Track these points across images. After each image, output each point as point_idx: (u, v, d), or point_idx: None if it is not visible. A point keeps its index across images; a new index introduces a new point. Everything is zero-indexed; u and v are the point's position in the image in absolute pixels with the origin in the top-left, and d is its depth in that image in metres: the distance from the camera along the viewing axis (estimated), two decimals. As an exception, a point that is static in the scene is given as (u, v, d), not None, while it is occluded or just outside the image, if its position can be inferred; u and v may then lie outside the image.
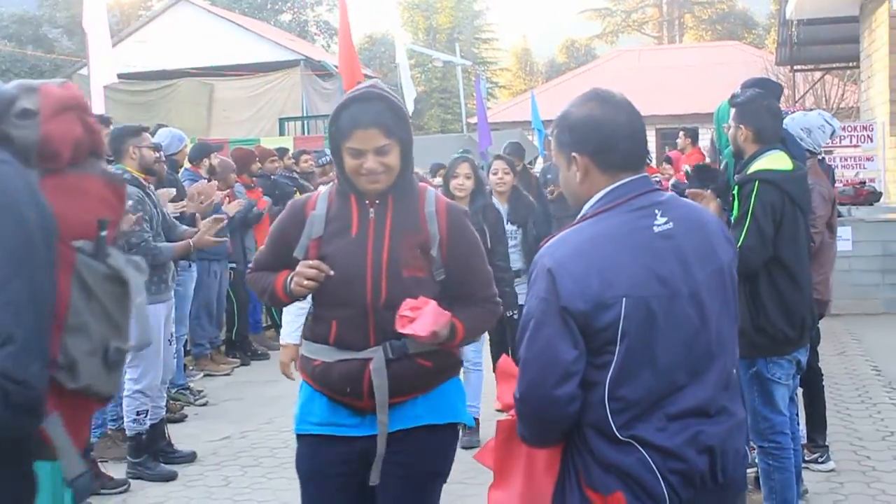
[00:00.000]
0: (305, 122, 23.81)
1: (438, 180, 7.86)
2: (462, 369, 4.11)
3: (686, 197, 5.61)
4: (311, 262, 3.49)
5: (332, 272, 3.45)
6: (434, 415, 3.59)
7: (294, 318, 5.68)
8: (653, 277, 2.77)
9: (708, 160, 12.77)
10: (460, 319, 3.50)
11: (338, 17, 14.89)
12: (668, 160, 14.82)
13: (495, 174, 7.81)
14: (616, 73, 36.39)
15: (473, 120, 26.83)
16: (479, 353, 7.42)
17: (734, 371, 2.99)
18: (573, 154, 2.94)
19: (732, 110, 5.24)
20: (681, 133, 14.41)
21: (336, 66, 26.17)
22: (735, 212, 4.97)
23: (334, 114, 3.49)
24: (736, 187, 5.02)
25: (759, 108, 5.11)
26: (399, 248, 3.47)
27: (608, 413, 2.75)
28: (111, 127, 7.16)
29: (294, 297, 3.60)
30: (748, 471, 5.92)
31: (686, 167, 13.68)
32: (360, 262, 3.45)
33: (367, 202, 3.52)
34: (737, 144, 5.20)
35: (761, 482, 5.21)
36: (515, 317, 6.88)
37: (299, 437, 3.66)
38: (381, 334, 3.45)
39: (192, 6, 29.25)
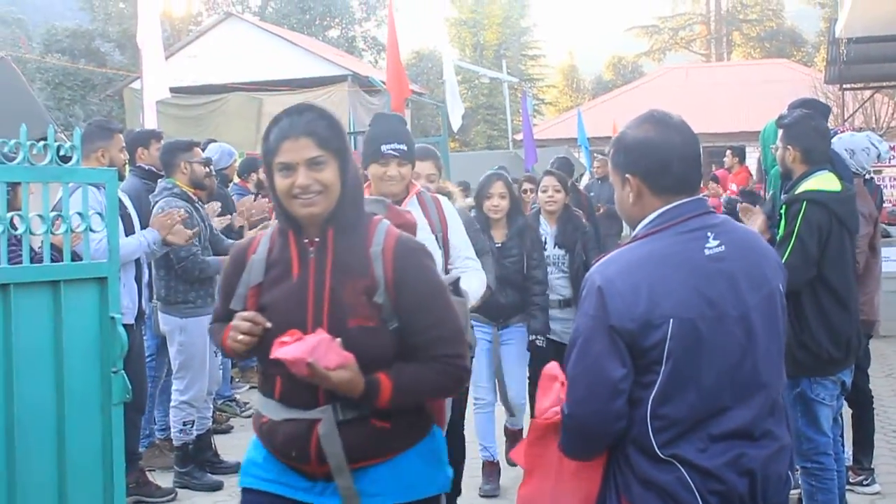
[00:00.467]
0: (353, 137, 23.95)
1: (470, 200, 7.27)
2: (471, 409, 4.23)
3: (738, 211, 5.65)
4: (245, 314, 3.05)
5: (268, 324, 3.00)
6: (402, 491, 3.09)
7: None
8: (701, 299, 2.80)
9: (755, 179, 12.74)
10: (391, 374, 2.96)
11: (385, 32, 14.99)
12: (715, 179, 14.75)
13: (545, 192, 7.25)
14: (663, 90, 36.24)
15: (519, 136, 26.83)
16: (489, 390, 6.73)
17: (780, 396, 3.00)
18: (627, 175, 2.99)
19: (780, 131, 5.25)
20: (728, 152, 14.33)
21: (383, 82, 26.37)
22: (781, 231, 4.99)
23: (265, 131, 3.07)
24: (783, 207, 5.02)
25: (807, 128, 5.11)
26: (342, 294, 2.98)
27: (650, 431, 2.79)
28: (161, 141, 7.25)
29: (237, 354, 3.20)
30: (792, 492, 5.90)
31: (733, 186, 13.63)
32: (300, 313, 2.99)
33: (306, 241, 3.04)
34: (785, 165, 5.21)
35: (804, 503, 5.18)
36: (541, 344, 6.59)
37: (243, 490, 3.30)
38: (330, 392, 2.93)
39: (241, 21, 29.62)
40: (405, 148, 4.70)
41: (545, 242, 7.08)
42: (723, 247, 2.88)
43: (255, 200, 8.50)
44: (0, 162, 4.00)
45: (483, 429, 6.75)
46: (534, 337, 6.59)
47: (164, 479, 6.61)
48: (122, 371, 4.41)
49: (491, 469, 6.70)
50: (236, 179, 9.80)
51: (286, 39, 28.98)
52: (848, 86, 22.30)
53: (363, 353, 2.88)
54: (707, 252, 2.86)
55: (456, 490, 5.74)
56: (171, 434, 6.78)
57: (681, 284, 2.80)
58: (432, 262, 3.13)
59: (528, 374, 6.97)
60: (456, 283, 3.46)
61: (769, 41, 55.88)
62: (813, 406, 5.01)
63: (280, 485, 3.14)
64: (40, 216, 4.17)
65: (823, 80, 24.32)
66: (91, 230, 4.37)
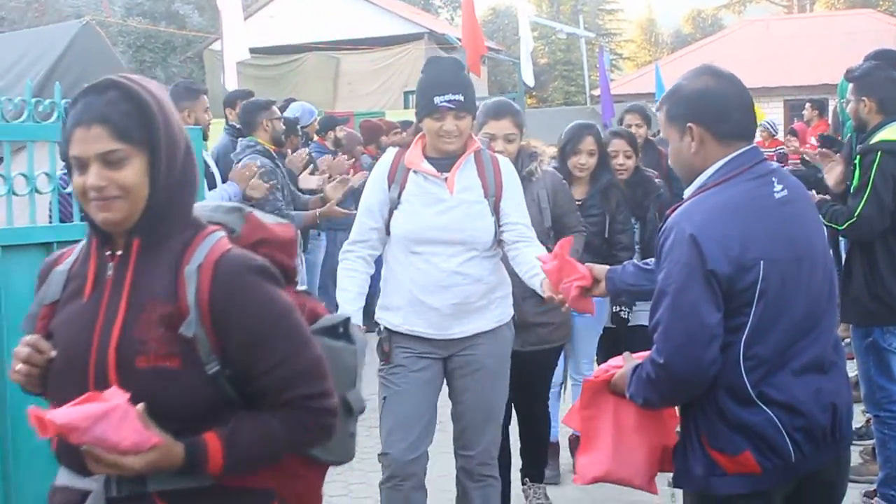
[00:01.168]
0: (429, 95, 24.01)
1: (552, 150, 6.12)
2: None
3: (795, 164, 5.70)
4: (27, 338, 2.38)
5: (52, 353, 2.34)
6: None
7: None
8: (782, 241, 2.94)
9: (832, 132, 12.58)
10: (222, 432, 2.25)
11: (461, -10, 15.08)
12: (793, 132, 14.58)
13: (615, 157, 6.33)
14: (743, 43, 35.64)
15: (597, 92, 26.67)
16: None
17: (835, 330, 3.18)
18: (689, 124, 3.07)
19: (850, 85, 5.24)
20: (807, 104, 14.17)
21: (459, 39, 26.35)
22: (856, 181, 5.01)
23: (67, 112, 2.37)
24: (857, 157, 5.03)
25: (880, 79, 5.11)
26: (134, 324, 2.26)
27: (743, 372, 2.90)
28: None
29: (24, 389, 2.44)
30: (866, 442, 5.94)
31: (813, 139, 13.47)
32: (82, 344, 2.29)
33: (108, 254, 2.35)
34: (859, 118, 5.21)
35: (877, 451, 5.23)
36: (625, 316, 6.10)
37: None
38: None
39: (318, -19, 29.69)
40: (462, 98, 4.26)
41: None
42: (786, 191, 3.02)
43: (334, 159, 8.66)
44: (5, 120, 4.07)
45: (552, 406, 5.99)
46: (618, 308, 6.05)
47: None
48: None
49: (551, 451, 6.11)
50: (315, 138, 9.96)
51: (362, -2, 29.06)
52: (934, 35, 21.80)
53: (157, 404, 2.18)
54: (776, 196, 3.00)
55: (538, 474, 5.64)
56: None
57: (764, 228, 2.93)
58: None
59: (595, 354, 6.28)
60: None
61: (854, -9, 54.61)
62: (885, 355, 5.05)
63: None
64: (24, 176, 4.09)
65: (909, 30, 23.76)
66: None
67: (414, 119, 13.43)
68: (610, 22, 55.24)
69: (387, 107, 23.02)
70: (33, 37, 10.79)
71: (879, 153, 4.92)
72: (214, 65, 26.34)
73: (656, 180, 6.59)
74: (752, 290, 2.87)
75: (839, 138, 7.80)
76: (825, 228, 3.21)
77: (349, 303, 4.41)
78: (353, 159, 10.14)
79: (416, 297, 4.29)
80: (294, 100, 9.74)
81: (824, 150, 5.53)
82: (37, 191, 4.10)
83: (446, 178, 4.30)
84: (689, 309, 2.88)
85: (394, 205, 4.36)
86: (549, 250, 4.08)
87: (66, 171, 2.19)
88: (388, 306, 4.45)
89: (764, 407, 2.89)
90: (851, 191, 5.01)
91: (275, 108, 7.09)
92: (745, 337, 2.89)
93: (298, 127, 8.09)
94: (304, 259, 7.48)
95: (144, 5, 36.41)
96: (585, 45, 32.17)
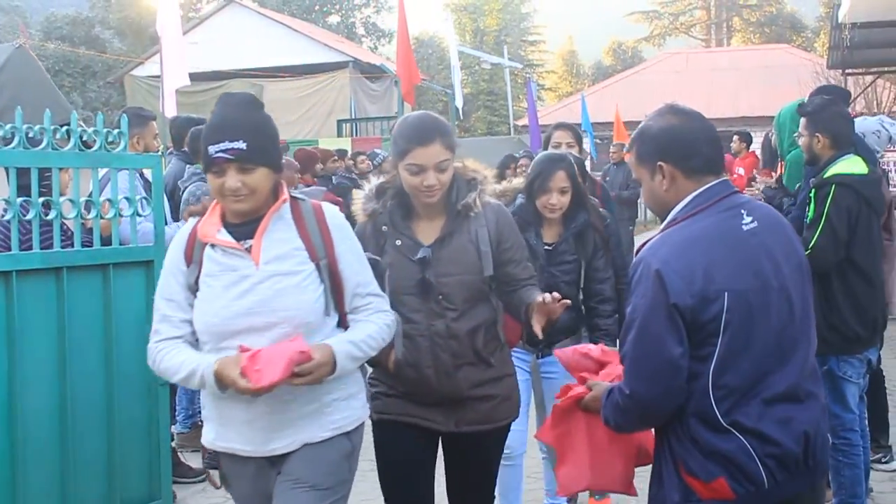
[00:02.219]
0: (356, 123, 24.04)
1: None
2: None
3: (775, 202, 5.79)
4: None
5: None
6: None
7: None
8: (748, 271, 2.95)
9: (761, 163, 12.82)
10: None
11: (384, 19, 15.13)
12: (720, 163, 14.86)
13: (557, 147, 5.76)
14: (664, 75, 36.34)
15: (521, 122, 26.91)
16: (518, 435, 4.80)
17: (814, 358, 3.15)
18: (659, 163, 3.10)
19: (803, 119, 5.34)
20: (735, 136, 14.43)
21: (383, 67, 26.41)
22: (810, 214, 5.09)
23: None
24: (812, 191, 5.12)
25: (832, 114, 5.22)
26: None
27: (713, 401, 2.91)
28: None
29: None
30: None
31: (739, 171, 13.73)
32: None
33: None
34: (811, 152, 5.31)
35: (830, 478, 5.29)
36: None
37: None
38: None
39: (242, 8, 29.64)
40: (244, 146, 3.17)
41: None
42: (756, 223, 3.04)
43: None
44: (54, 148, 4.10)
45: (506, 484, 5.04)
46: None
47: (194, 461, 6.71)
48: (168, 352, 4.51)
49: None
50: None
51: (287, 26, 29.05)
52: (850, 71, 22.35)
53: None
54: (745, 228, 3.02)
55: None
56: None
57: (730, 259, 2.94)
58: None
59: None
60: None
61: (769, 26, 55.98)
62: (840, 384, 5.13)
63: None
64: (89, 201, 4.27)
65: (826, 64, 24.35)
66: (138, 214, 4.49)
67: (348, 148, 12.90)
68: (532, 53, 55.96)
69: (311, 135, 22.98)
70: (-36, 59, 10.56)
71: (833, 186, 5.01)
72: (135, 90, 26.09)
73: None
74: (716, 321, 2.89)
75: (769, 173, 7.95)
76: (803, 256, 3.21)
77: (199, 359, 3.26)
78: (292, 187, 10.07)
79: (224, 405, 3.32)
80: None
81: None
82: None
83: (249, 248, 3.26)
84: (653, 342, 2.91)
85: (192, 291, 3.33)
86: (491, 304, 3.81)
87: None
88: (205, 417, 3.60)
89: (737, 434, 2.91)
90: (807, 224, 5.09)
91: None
92: (713, 366, 2.91)
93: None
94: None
95: (63, 29, 35.96)
96: (510, 75, 32.43)
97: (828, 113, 5.24)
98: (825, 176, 5.10)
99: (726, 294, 2.89)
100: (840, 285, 5.04)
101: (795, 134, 5.63)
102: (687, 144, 3.08)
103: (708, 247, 2.96)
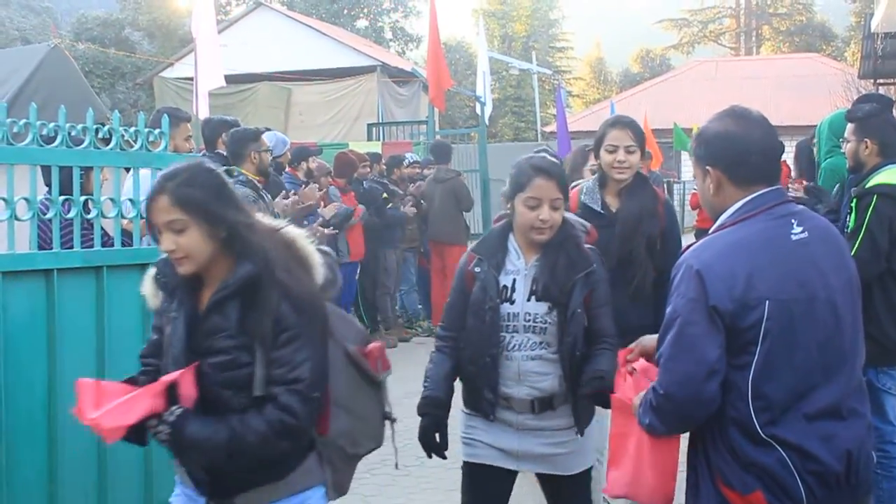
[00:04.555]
0: (384, 127, 24.04)
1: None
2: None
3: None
4: None
5: None
6: None
7: None
8: (793, 282, 2.92)
9: (793, 173, 12.71)
10: None
11: (412, 24, 15.16)
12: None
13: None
14: (694, 83, 36.25)
15: (548, 128, 26.86)
16: None
17: (862, 375, 3.12)
18: (707, 167, 3.11)
19: (851, 125, 5.29)
20: (766, 145, 14.31)
21: (414, 72, 26.42)
22: (851, 224, 5.04)
23: None
24: (853, 200, 5.07)
25: (883, 122, 5.19)
26: None
27: (752, 412, 2.88)
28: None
29: None
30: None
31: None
32: None
33: None
34: (857, 159, 5.26)
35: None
36: None
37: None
38: None
39: (270, 11, 29.70)
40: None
41: (511, 288, 3.98)
42: (806, 233, 3.01)
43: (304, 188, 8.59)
44: (96, 147, 4.10)
45: None
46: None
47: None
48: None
49: None
50: (287, 168, 9.88)
51: (315, 29, 29.05)
52: (882, 80, 22.20)
53: None
54: (794, 237, 2.99)
55: None
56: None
57: (774, 268, 2.92)
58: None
59: None
60: None
61: (798, 35, 55.67)
62: (879, 395, 5.08)
63: None
64: (112, 200, 4.23)
65: (857, 74, 24.22)
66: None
67: (379, 151, 12.94)
68: (560, 60, 55.85)
69: (339, 138, 22.99)
70: (0, 58, 10.63)
71: (876, 197, 4.96)
72: (164, 92, 26.18)
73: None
74: (756, 328, 2.87)
75: (804, 181, 7.88)
76: (854, 270, 3.16)
77: None
78: (322, 191, 10.11)
79: None
80: (268, 129, 9.64)
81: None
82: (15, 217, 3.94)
83: None
84: (690, 343, 2.89)
85: None
86: None
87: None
88: None
89: (777, 447, 2.87)
90: (847, 234, 5.04)
91: (264, 139, 6.99)
92: (752, 376, 2.88)
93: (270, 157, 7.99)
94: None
95: (94, 31, 36.14)
96: (537, 81, 32.40)
97: (878, 120, 5.20)
98: (867, 186, 5.05)
99: (767, 302, 2.87)
100: (880, 296, 5.00)
101: (842, 139, 5.59)
102: (738, 152, 3.06)
103: (752, 253, 2.94)
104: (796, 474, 2.87)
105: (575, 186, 5.14)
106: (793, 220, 3.02)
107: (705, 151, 3.12)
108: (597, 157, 5.12)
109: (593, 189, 5.02)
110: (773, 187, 3.08)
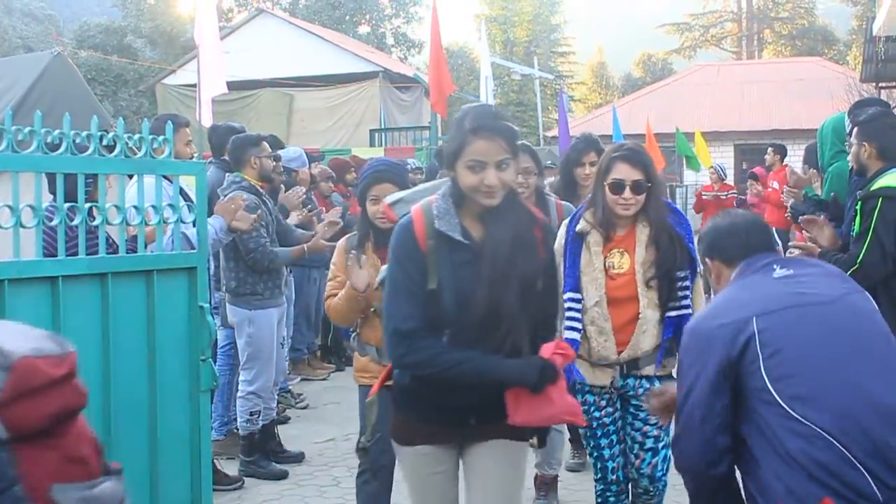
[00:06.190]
0: (386, 133, 24.07)
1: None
2: None
3: (801, 221, 5.74)
4: None
5: None
6: None
7: None
8: (778, 298, 3.07)
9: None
10: None
11: (414, 29, 15.17)
12: (754, 176, 14.79)
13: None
14: (695, 87, 36.21)
15: (550, 133, 26.85)
16: None
17: None
18: (706, 259, 3.54)
19: (854, 128, 5.29)
20: (769, 149, 14.32)
21: (417, 77, 26.44)
22: (857, 227, 5.03)
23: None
24: (859, 203, 5.07)
25: (883, 125, 5.18)
26: None
27: (793, 419, 2.87)
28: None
29: None
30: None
31: (774, 184, 13.61)
32: None
33: None
34: (859, 162, 5.26)
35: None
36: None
37: None
38: None
39: (272, 17, 29.79)
40: None
41: None
42: (791, 270, 3.19)
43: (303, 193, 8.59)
44: (101, 154, 4.10)
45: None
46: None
47: (230, 468, 6.70)
48: (210, 359, 4.53)
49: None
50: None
51: (317, 35, 29.11)
52: (884, 84, 22.22)
53: None
54: (775, 276, 3.18)
55: None
56: (238, 424, 6.89)
57: (756, 296, 3.12)
58: None
59: None
60: None
61: (800, 39, 55.67)
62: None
63: None
64: (135, 208, 4.26)
65: (859, 78, 24.23)
66: (182, 221, 4.49)
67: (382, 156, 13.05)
68: (562, 64, 55.90)
69: (341, 143, 23.04)
70: (4, 65, 10.63)
71: (881, 199, 4.96)
72: (167, 99, 26.23)
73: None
74: (752, 341, 2.94)
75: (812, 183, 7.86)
76: (856, 287, 3.26)
77: None
78: (325, 197, 10.14)
79: None
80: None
81: (809, 216, 5.56)
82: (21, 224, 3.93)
83: None
84: (696, 424, 3.08)
85: None
86: None
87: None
88: None
89: (833, 441, 2.81)
90: (853, 237, 5.03)
91: (265, 144, 7.01)
92: (771, 387, 2.90)
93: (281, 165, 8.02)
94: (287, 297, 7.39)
95: (96, 38, 36.21)
96: (539, 86, 32.41)
97: (879, 123, 5.21)
98: (872, 188, 5.05)
99: (754, 318, 2.98)
100: (886, 299, 4.98)
101: (846, 144, 5.59)
102: (719, 239, 3.46)
103: (734, 297, 3.19)
104: (863, 471, 2.78)
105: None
106: (774, 266, 3.23)
107: (703, 247, 3.55)
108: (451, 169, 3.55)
109: (447, 210, 3.46)
110: (758, 254, 3.32)
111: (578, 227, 4.54)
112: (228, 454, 6.94)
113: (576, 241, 4.54)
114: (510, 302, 3.32)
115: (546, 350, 3.31)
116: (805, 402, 2.85)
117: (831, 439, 2.80)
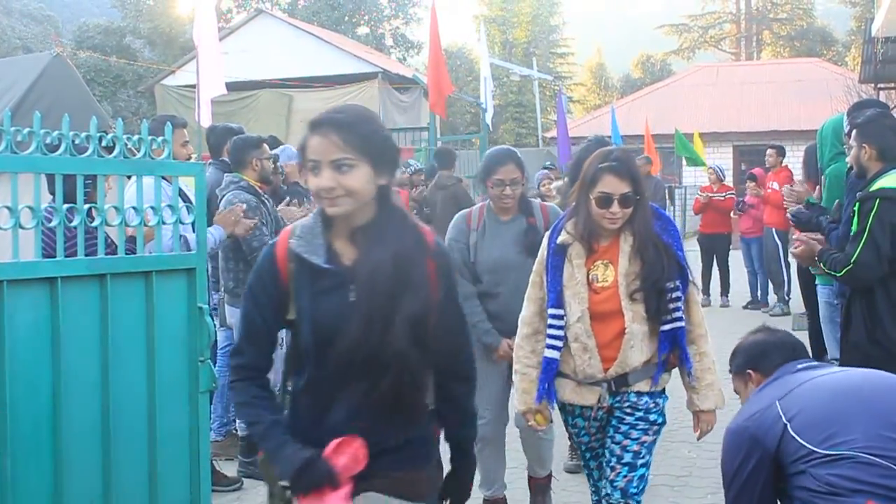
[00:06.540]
0: (387, 134, 24.09)
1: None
2: None
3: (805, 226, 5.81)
4: None
5: None
6: None
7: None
8: (801, 380, 3.59)
9: (798, 178, 12.72)
10: None
11: (413, 30, 15.20)
12: (753, 177, 14.80)
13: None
14: (695, 88, 36.23)
15: (549, 134, 26.87)
16: None
17: None
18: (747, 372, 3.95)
19: (853, 130, 5.30)
20: (770, 150, 14.33)
21: (416, 78, 26.45)
22: (854, 227, 5.04)
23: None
24: (856, 204, 5.07)
25: (882, 126, 5.18)
26: None
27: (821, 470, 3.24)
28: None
29: None
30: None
31: (773, 185, 13.61)
32: None
33: None
34: (859, 163, 5.27)
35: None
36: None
37: None
38: None
39: (272, 18, 29.79)
40: None
41: None
42: (815, 371, 3.71)
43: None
44: (100, 155, 4.10)
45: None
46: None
47: (228, 469, 6.70)
48: (209, 360, 4.53)
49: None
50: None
51: (316, 36, 29.12)
52: (882, 85, 22.22)
53: None
54: (798, 368, 3.74)
55: None
56: (237, 425, 6.88)
57: (782, 387, 3.59)
58: None
59: None
60: None
61: (799, 40, 55.70)
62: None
63: None
64: (134, 208, 4.26)
65: (858, 79, 24.24)
66: (181, 222, 4.49)
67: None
68: (561, 65, 55.93)
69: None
70: (3, 66, 10.65)
71: (878, 200, 4.95)
72: (166, 99, 26.22)
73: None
74: (777, 413, 3.39)
75: (812, 186, 7.87)
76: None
77: None
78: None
79: None
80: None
81: (800, 236, 5.60)
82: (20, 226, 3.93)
83: None
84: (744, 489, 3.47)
85: None
86: None
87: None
88: None
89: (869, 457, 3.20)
90: (850, 237, 5.04)
91: (265, 146, 7.01)
92: (808, 444, 3.27)
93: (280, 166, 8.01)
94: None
95: (95, 39, 36.23)
96: (538, 87, 32.42)
97: (878, 125, 5.21)
98: (870, 189, 5.06)
99: (777, 402, 3.44)
100: (884, 300, 4.99)
101: (845, 146, 5.60)
102: (758, 356, 3.91)
103: (764, 396, 3.57)
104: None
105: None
106: (798, 365, 3.71)
107: (738, 362, 4.00)
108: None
109: (311, 229, 2.97)
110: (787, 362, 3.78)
111: (560, 239, 4.30)
112: (227, 455, 6.93)
113: (558, 254, 4.30)
114: (391, 342, 2.77)
115: (330, 447, 2.75)
116: (833, 437, 3.19)
117: (869, 456, 3.10)
